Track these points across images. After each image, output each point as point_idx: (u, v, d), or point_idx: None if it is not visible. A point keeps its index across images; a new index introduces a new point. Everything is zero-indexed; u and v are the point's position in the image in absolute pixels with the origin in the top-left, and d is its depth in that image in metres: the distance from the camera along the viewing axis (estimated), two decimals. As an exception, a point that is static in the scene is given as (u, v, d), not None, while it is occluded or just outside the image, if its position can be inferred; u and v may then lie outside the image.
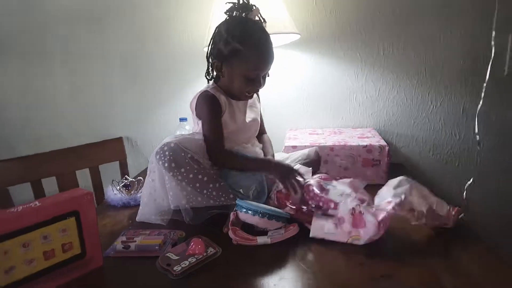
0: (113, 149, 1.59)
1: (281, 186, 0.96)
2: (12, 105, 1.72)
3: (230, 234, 0.85)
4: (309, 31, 1.49)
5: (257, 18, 1.01)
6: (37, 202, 0.70)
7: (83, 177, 1.47)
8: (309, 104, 1.57)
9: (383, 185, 1.19)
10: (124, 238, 0.87)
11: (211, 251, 0.78)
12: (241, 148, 1.06)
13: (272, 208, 0.91)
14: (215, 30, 1.01)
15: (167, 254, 0.78)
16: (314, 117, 1.58)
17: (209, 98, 1.01)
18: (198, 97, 1.02)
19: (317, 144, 1.24)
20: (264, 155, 1.13)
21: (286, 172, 0.96)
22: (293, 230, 0.87)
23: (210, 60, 1.03)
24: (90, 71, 1.66)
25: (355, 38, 1.47)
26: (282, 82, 1.56)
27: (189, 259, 0.75)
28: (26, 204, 0.69)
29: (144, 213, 0.98)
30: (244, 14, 0.99)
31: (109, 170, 1.55)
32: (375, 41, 1.47)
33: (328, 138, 1.34)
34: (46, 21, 1.62)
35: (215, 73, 1.06)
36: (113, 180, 1.17)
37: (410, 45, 1.45)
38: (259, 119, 1.16)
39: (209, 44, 1.03)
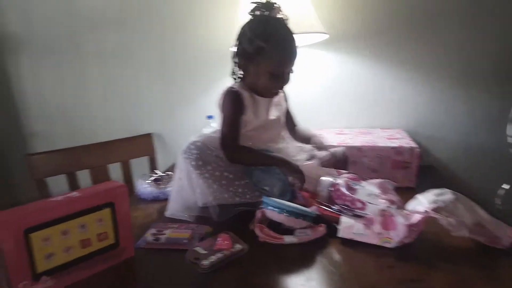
0: (143, 144, 1.63)
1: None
2: (52, 102, 1.80)
3: (256, 231, 0.86)
4: (336, 29, 1.48)
5: (279, 16, 1.02)
6: (76, 193, 0.73)
7: (115, 170, 1.52)
8: (336, 104, 1.56)
9: (412, 188, 1.18)
10: (154, 231, 0.89)
11: (238, 247, 0.80)
12: (264, 147, 1.06)
13: (299, 206, 0.92)
14: (240, 31, 1.03)
15: (196, 248, 0.80)
16: (340, 117, 1.57)
17: (232, 94, 1.02)
18: (223, 93, 1.04)
19: (345, 144, 1.23)
20: (308, 139, 1.16)
21: (298, 169, 0.98)
22: (320, 231, 0.87)
23: (236, 60, 1.05)
24: (122, 70, 1.71)
25: (384, 36, 1.46)
26: (308, 82, 1.56)
27: (217, 254, 0.77)
28: (66, 194, 0.72)
29: (172, 209, 1.02)
30: (266, 12, 1.00)
31: (139, 164, 1.59)
32: (404, 39, 1.44)
33: (356, 139, 1.33)
34: (80, 24, 1.68)
35: (240, 72, 1.07)
36: (143, 174, 1.20)
37: (441, 44, 1.42)
38: (283, 118, 1.17)
39: (235, 45, 1.04)
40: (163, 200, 1.13)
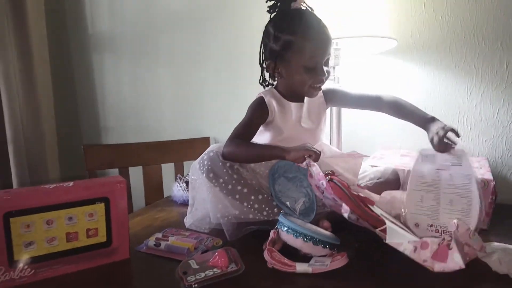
0: (199, 147, 1.61)
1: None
2: (126, 98, 1.90)
3: (265, 255, 0.74)
4: (414, 37, 1.28)
5: (302, 7, 0.93)
6: (70, 183, 0.71)
7: (168, 171, 1.52)
8: (408, 122, 1.35)
9: (484, 229, 0.95)
10: (160, 235, 0.84)
11: (232, 267, 0.69)
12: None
13: (320, 230, 0.78)
14: (263, 33, 0.96)
15: (190, 261, 0.71)
16: (412, 137, 1.34)
17: (256, 101, 0.97)
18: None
19: (402, 168, 1.04)
20: (416, 117, 0.93)
21: (298, 148, 0.81)
22: (340, 261, 0.71)
23: (264, 64, 0.98)
24: (188, 72, 1.73)
25: (472, 47, 1.22)
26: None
27: (207, 271, 0.67)
28: (60, 183, 0.70)
29: (189, 220, 0.94)
30: (287, 7, 0.92)
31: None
32: (497, 52, 1.19)
33: (421, 163, 1.12)
34: (157, 25, 1.75)
35: (269, 78, 1.01)
36: (178, 176, 1.17)
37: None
38: (321, 127, 1.04)
39: (260, 48, 0.98)
40: (192, 205, 1.09)
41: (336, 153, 1.00)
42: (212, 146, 0.92)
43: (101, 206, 0.71)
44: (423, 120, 0.89)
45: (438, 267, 0.64)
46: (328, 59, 0.93)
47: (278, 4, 0.92)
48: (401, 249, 0.66)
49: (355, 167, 0.93)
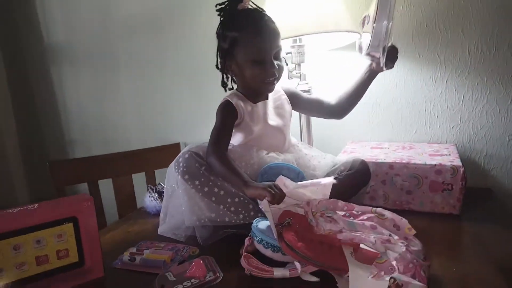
0: (170, 154, 1.56)
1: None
2: (89, 110, 1.86)
3: (242, 262, 0.74)
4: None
5: (250, 7, 0.95)
6: (35, 205, 0.68)
7: (139, 181, 1.49)
8: (376, 114, 1.37)
9: (456, 215, 0.97)
10: (134, 250, 0.82)
11: (210, 277, 0.69)
12: (267, 157, 0.95)
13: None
14: (217, 36, 0.97)
15: (167, 274, 0.71)
16: (381, 129, 1.38)
17: (223, 105, 0.96)
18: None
19: (374, 161, 1.06)
20: (359, 78, 1.04)
21: (258, 187, 0.76)
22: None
23: (219, 65, 0.98)
24: (153, 79, 1.70)
25: (434, 35, 1.24)
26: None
27: (185, 283, 0.67)
28: (24, 206, 0.68)
29: (163, 227, 0.93)
30: (234, 8, 0.93)
31: (165, 175, 1.55)
32: (460, 39, 1.22)
33: (391, 154, 1.13)
34: (114, 32, 1.71)
35: (227, 81, 1.00)
36: (149, 186, 1.15)
37: (506, 44, 1.17)
38: (288, 124, 1.04)
39: (217, 51, 0.98)
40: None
41: (308, 161, 1.01)
42: (188, 147, 0.90)
43: (69, 226, 0.69)
44: (364, 72, 1.02)
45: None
46: (278, 53, 0.94)
47: (227, 7, 0.93)
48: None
49: (324, 190, 0.82)
